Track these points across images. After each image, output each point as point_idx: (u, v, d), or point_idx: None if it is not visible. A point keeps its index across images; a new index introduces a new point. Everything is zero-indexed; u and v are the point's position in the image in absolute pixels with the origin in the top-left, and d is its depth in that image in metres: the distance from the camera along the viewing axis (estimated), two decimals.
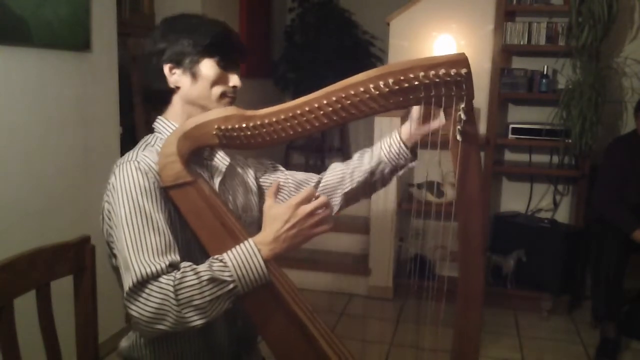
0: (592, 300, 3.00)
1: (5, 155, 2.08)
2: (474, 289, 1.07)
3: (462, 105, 0.97)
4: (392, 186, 3.36)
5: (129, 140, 3.06)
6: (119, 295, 3.09)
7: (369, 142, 3.62)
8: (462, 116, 0.97)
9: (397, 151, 1.33)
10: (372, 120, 3.40)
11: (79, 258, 1.31)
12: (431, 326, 2.90)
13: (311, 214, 1.06)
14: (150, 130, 1.28)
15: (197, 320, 1.01)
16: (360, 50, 5.27)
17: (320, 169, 5.92)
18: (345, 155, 5.40)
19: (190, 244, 1.13)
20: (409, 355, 2.75)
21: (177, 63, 1.19)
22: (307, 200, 1.07)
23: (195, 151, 1.10)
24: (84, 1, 2.36)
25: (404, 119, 3.42)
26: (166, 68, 1.20)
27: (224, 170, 1.25)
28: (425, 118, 1.24)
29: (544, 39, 3.34)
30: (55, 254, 1.26)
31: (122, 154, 3.05)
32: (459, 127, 0.99)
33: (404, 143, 1.32)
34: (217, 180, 1.24)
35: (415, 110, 1.25)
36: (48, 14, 2.17)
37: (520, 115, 3.58)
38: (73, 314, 1.32)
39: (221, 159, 1.27)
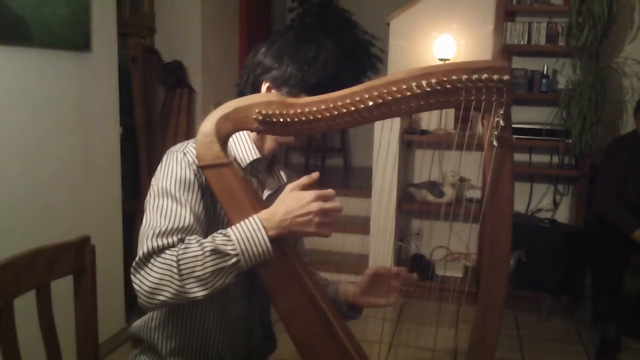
0: (592, 300, 3.00)
1: (5, 155, 2.08)
2: (496, 296, 1.07)
3: (501, 112, 0.98)
4: (392, 186, 3.36)
5: (129, 140, 3.06)
6: (119, 295, 3.10)
7: (369, 142, 3.63)
8: (501, 122, 0.99)
9: (337, 303, 1.35)
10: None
11: (79, 258, 1.31)
12: (431, 326, 2.90)
13: (325, 212, 1.06)
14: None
15: (197, 292, 1.01)
16: (360, 50, 5.27)
17: (320, 169, 5.90)
18: (345, 155, 5.40)
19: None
20: (409, 355, 2.75)
21: (276, 86, 1.19)
22: (327, 198, 1.07)
23: (233, 133, 1.11)
24: (84, 1, 2.36)
25: (404, 119, 3.44)
26: (264, 86, 1.19)
27: (275, 188, 1.26)
28: (371, 290, 1.32)
29: (544, 39, 3.34)
30: (55, 254, 1.25)
31: (122, 154, 3.05)
32: (496, 132, 1.00)
33: (344, 299, 1.35)
34: (265, 193, 1.25)
35: (364, 280, 1.32)
36: (48, 14, 2.17)
37: (520, 115, 3.58)
38: (73, 314, 1.32)
39: (280, 177, 1.29)
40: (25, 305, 1.22)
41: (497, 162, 1.02)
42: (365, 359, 1.18)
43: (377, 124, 3.34)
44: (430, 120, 3.65)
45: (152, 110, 3.34)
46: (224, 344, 1.25)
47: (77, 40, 2.37)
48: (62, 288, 1.31)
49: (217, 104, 1.10)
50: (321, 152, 5.41)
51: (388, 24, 3.76)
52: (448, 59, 3.44)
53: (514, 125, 3.53)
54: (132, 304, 2.79)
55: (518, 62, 3.56)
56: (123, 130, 2.79)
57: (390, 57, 3.77)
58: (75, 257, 1.30)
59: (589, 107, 3.15)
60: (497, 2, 3.42)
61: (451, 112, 3.50)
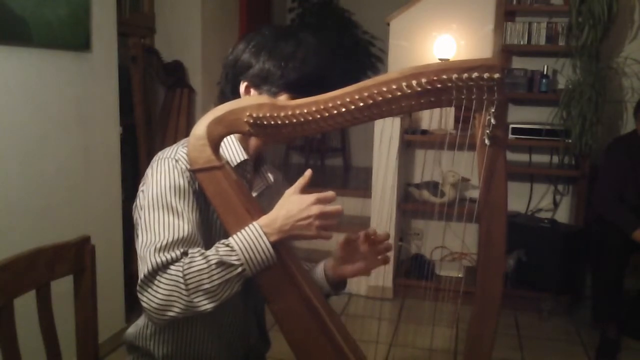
0: (592, 300, 3.00)
1: (5, 155, 2.07)
2: (492, 295, 1.07)
3: (493, 110, 0.98)
4: (392, 186, 3.35)
5: (129, 140, 3.06)
6: (119, 295, 3.09)
7: (369, 142, 3.62)
8: (492, 121, 0.98)
9: (319, 278, 1.32)
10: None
11: (79, 258, 1.31)
12: (431, 326, 2.90)
13: (326, 215, 1.05)
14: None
15: (206, 305, 1.01)
16: (360, 50, 5.27)
17: (320, 169, 5.87)
18: (345, 155, 5.40)
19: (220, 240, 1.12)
20: (408, 355, 2.75)
21: (255, 85, 1.16)
22: (327, 201, 1.06)
23: (225, 136, 1.10)
24: (84, 1, 2.36)
25: (404, 119, 3.44)
26: (243, 85, 1.17)
27: (262, 189, 1.26)
28: (347, 258, 1.28)
29: (544, 39, 3.34)
30: (55, 254, 1.25)
31: (122, 154, 3.04)
32: (487, 131, 0.99)
33: (326, 274, 1.32)
34: (253, 194, 1.24)
35: (337, 249, 1.28)
36: (48, 14, 2.17)
37: (520, 115, 3.58)
38: (73, 314, 1.32)
39: (267, 177, 1.28)
40: (25, 305, 1.22)
41: (490, 161, 1.02)
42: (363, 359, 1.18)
43: (377, 124, 3.35)
44: (430, 120, 3.65)
45: (152, 110, 3.35)
46: (220, 348, 1.24)
47: (77, 40, 2.37)
48: (62, 288, 1.31)
49: (217, 104, 1.10)
50: (321, 152, 5.42)
51: (388, 24, 3.76)
52: (448, 59, 3.44)
53: (514, 126, 3.51)
54: (132, 304, 2.79)
55: (518, 62, 3.56)
56: (123, 130, 2.79)
57: (390, 57, 3.77)
58: (75, 257, 1.30)
59: (589, 107, 3.15)
60: (497, 2, 3.42)
61: (451, 111, 3.50)
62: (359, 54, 5.26)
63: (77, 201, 2.45)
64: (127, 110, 2.94)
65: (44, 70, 2.22)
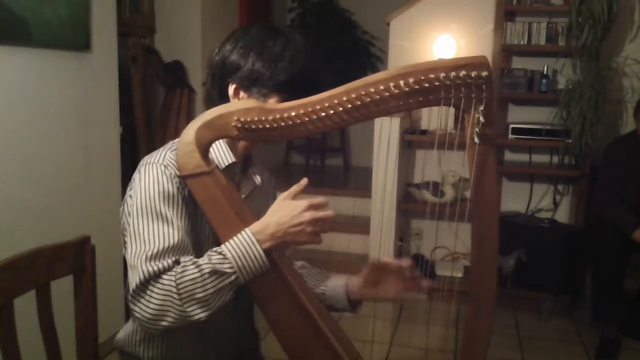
0: (592, 300, 3.00)
1: (5, 155, 2.07)
2: (486, 292, 1.08)
3: (481, 108, 0.97)
4: (392, 186, 3.35)
5: (129, 140, 3.07)
6: (119, 295, 3.08)
7: (369, 142, 3.63)
8: (481, 119, 0.98)
9: (338, 296, 1.31)
10: (372, 119, 3.42)
11: (79, 258, 1.31)
12: (431, 326, 2.91)
13: (318, 221, 1.05)
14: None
15: (199, 314, 1.00)
16: (360, 50, 5.28)
17: (320, 169, 5.87)
18: (345, 155, 5.40)
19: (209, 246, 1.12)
20: (408, 355, 2.75)
21: (244, 87, 1.15)
22: (319, 207, 1.06)
23: (214, 142, 1.09)
24: (84, 1, 2.36)
25: (404, 119, 3.44)
26: (232, 87, 1.16)
27: (250, 189, 1.25)
28: (377, 282, 1.26)
29: (544, 39, 3.34)
30: (55, 254, 1.25)
31: (122, 154, 3.03)
32: (477, 129, 0.99)
33: (347, 293, 1.30)
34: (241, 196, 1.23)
35: (367, 271, 1.26)
36: (48, 14, 2.17)
37: (520, 115, 3.58)
38: (73, 314, 1.32)
39: (254, 178, 1.27)
40: (25, 305, 1.22)
41: (480, 159, 1.01)
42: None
43: (377, 124, 3.35)
44: (430, 120, 3.65)
45: (152, 110, 3.35)
46: (212, 352, 1.24)
47: (77, 40, 2.37)
48: (62, 288, 1.31)
49: (205, 106, 1.10)
50: (321, 152, 5.42)
51: (388, 24, 3.76)
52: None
53: (514, 126, 3.51)
54: None
55: (518, 62, 3.56)
56: (123, 130, 2.79)
57: (390, 57, 3.77)
58: (75, 257, 1.30)
59: (589, 107, 3.15)
60: (497, 2, 3.42)
61: (451, 111, 3.50)
62: (359, 54, 5.26)
63: (77, 201, 2.45)
64: (127, 110, 2.95)
65: (44, 70, 2.22)
